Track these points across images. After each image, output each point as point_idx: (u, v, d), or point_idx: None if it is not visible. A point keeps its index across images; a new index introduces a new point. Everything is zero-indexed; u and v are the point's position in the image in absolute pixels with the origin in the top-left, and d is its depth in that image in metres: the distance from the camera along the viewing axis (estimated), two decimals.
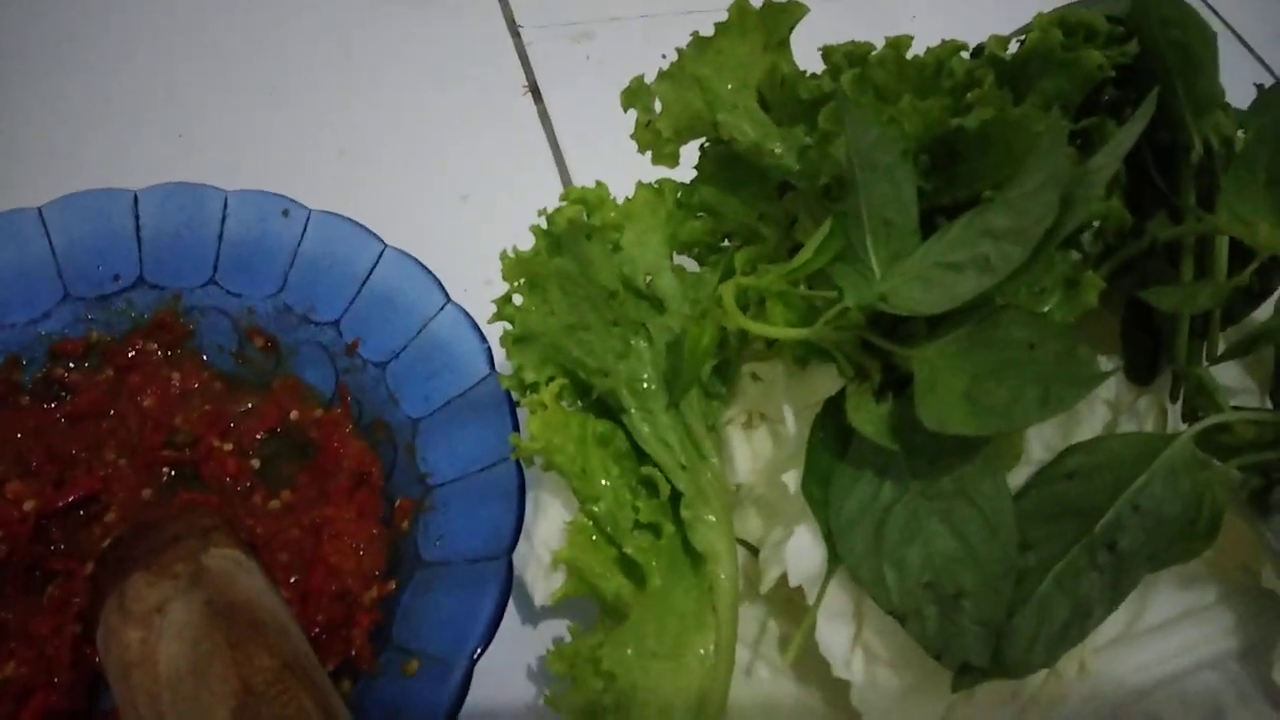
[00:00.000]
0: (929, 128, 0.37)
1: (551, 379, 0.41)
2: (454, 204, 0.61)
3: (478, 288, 0.51)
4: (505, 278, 0.41)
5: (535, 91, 0.67)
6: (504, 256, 0.41)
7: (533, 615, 0.46)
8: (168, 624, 0.36)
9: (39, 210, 0.51)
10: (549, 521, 0.43)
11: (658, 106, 0.44)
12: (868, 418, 0.35)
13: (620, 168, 0.55)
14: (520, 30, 0.70)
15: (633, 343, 0.41)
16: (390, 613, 0.43)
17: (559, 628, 0.46)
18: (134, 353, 0.52)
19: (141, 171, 0.54)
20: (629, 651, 0.36)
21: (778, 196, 0.44)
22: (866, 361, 0.36)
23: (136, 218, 0.52)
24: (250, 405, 0.51)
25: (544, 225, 0.40)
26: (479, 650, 0.40)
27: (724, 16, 0.43)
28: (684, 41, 0.67)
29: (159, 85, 0.65)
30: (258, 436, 0.50)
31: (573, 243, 0.39)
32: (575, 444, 0.40)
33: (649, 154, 0.46)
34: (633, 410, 0.40)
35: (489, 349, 0.48)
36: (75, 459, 0.48)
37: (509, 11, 0.71)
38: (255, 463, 0.49)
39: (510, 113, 0.66)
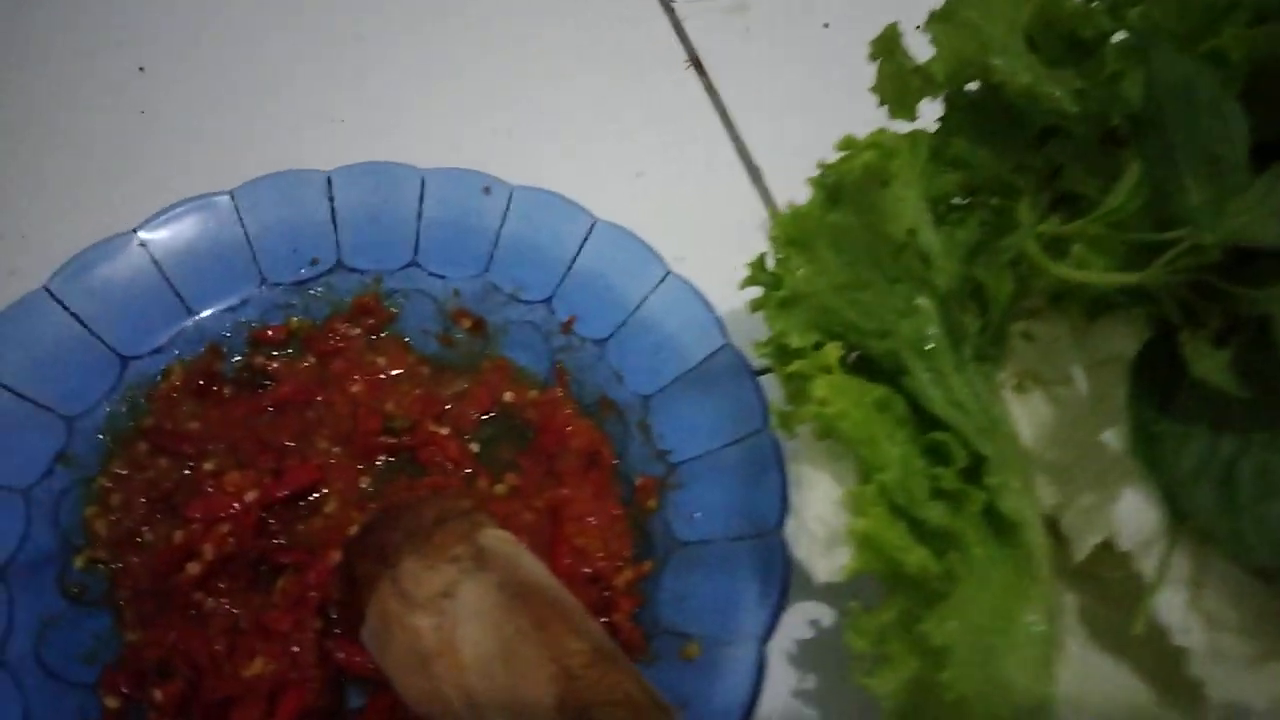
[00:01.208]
0: (1254, 58, 0.35)
1: (818, 344, 0.39)
2: (630, 181, 0.59)
3: (669, 263, 0.49)
4: (774, 237, 0.39)
5: (698, 65, 0.65)
6: (774, 214, 0.39)
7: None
8: (460, 609, 0.34)
9: (231, 194, 0.50)
10: (817, 495, 0.41)
11: (916, 55, 0.41)
12: (1212, 366, 0.33)
13: (797, 134, 0.53)
14: (673, 6, 0.68)
15: (917, 300, 0.38)
16: (650, 596, 0.41)
17: (810, 610, 0.44)
18: (336, 339, 0.50)
19: (308, 159, 0.52)
20: (953, 626, 0.34)
21: (1038, 145, 0.42)
22: (1202, 306, 0.34)
23: (331, 199, 0.51)
24: (460, 389, 0.49)
25: (822, 178, 0.38)
26: (769, 630, 0.38)
27: None
28: (839, 8, 0.65)
29: (320, 70, 0.64)
30: (472, 420, 0.48)
31: (859, 193, 0.37)
32: (859, 409, 0.37)
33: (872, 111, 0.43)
34: (919, 373, 0.38)
35: (719, 319, 0.46)
36: (287, 449, 0.47)
37: None
38: (474, 447, 0.47)
39: (675, 88, 0.64)
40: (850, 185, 0.37)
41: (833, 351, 0.37)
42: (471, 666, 0.33)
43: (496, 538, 0.37)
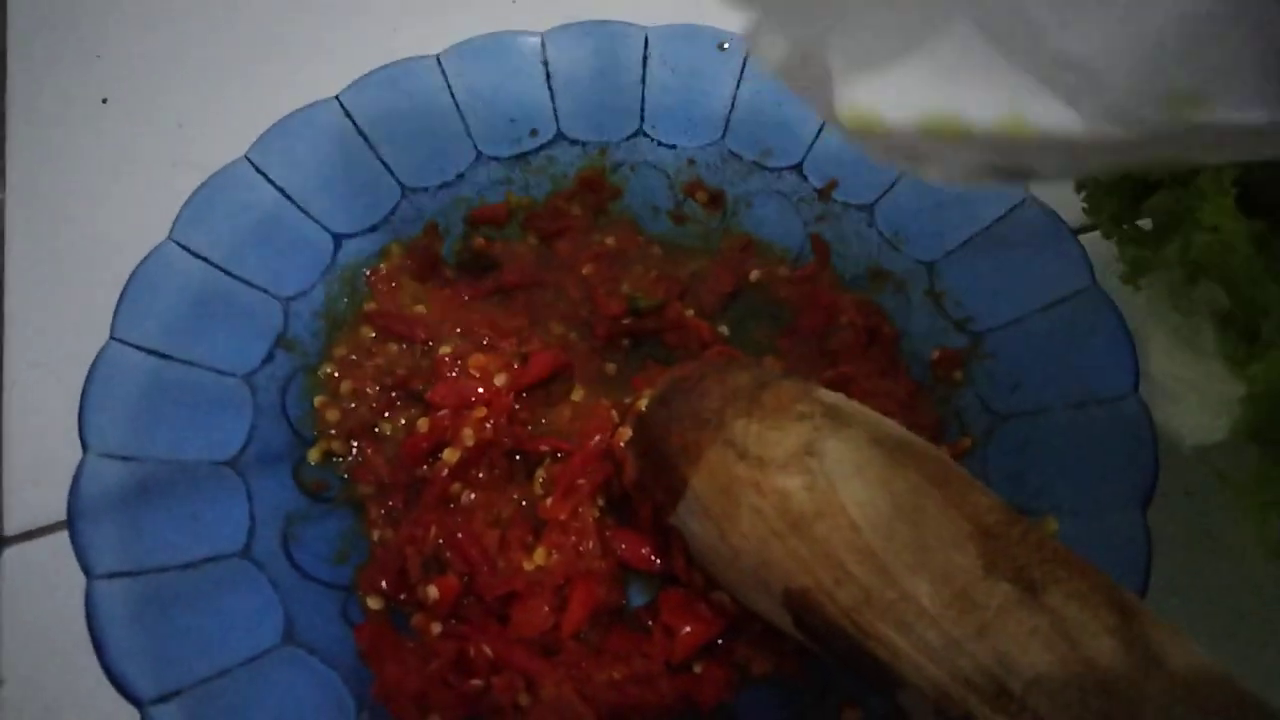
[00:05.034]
0: None
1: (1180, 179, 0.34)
2: None
3: None
4: None
5: None
6: None
7: None
8: (833, 467, 0.29)
9: (437, 58, 0.45)
10: (1166, 354, 0.36)
11: None
12: None
13: None
14: None
15: None
16: (978, 474, 0.36)
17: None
18: (559, 217, 0.45)
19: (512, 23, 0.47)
20: None
21: None
22: None
23: (546, 64, 0.45)
24: (698, 268, 0.44)
25: None
26: (1148, 496, 0.33)
27: None
28: None
29: None
30: (714, 301, 0.43)
31: None
32: (1245, 244, 0.33)
33: None
34: None
35: None
36: (525, 333, 0.42)
37: None
38: (722, 329, 0.43)
39: None
40: None
41: (1228, 172, 0.32)
42: (866, 526, 0.28)
43: (838, 396, 0.33)
